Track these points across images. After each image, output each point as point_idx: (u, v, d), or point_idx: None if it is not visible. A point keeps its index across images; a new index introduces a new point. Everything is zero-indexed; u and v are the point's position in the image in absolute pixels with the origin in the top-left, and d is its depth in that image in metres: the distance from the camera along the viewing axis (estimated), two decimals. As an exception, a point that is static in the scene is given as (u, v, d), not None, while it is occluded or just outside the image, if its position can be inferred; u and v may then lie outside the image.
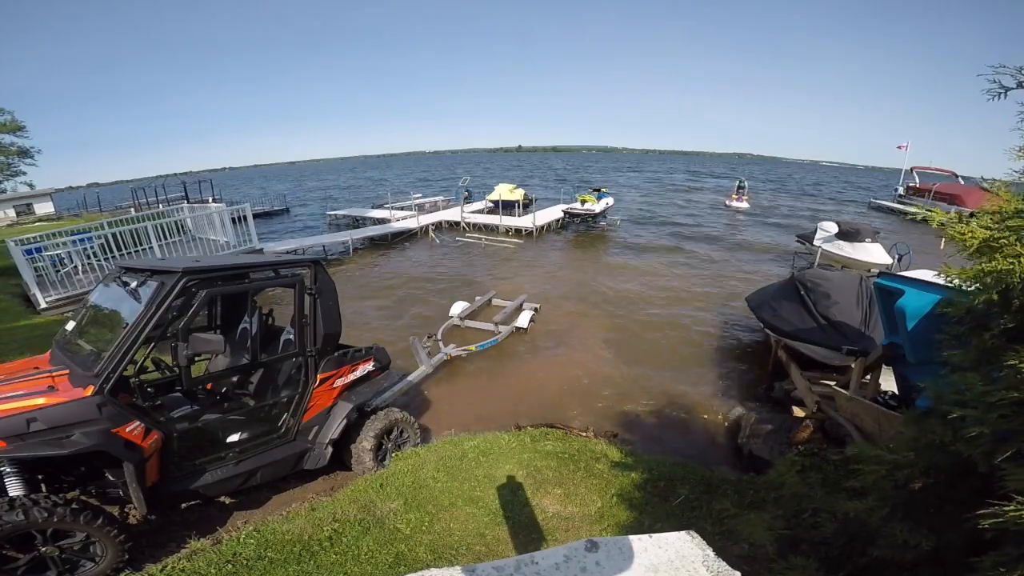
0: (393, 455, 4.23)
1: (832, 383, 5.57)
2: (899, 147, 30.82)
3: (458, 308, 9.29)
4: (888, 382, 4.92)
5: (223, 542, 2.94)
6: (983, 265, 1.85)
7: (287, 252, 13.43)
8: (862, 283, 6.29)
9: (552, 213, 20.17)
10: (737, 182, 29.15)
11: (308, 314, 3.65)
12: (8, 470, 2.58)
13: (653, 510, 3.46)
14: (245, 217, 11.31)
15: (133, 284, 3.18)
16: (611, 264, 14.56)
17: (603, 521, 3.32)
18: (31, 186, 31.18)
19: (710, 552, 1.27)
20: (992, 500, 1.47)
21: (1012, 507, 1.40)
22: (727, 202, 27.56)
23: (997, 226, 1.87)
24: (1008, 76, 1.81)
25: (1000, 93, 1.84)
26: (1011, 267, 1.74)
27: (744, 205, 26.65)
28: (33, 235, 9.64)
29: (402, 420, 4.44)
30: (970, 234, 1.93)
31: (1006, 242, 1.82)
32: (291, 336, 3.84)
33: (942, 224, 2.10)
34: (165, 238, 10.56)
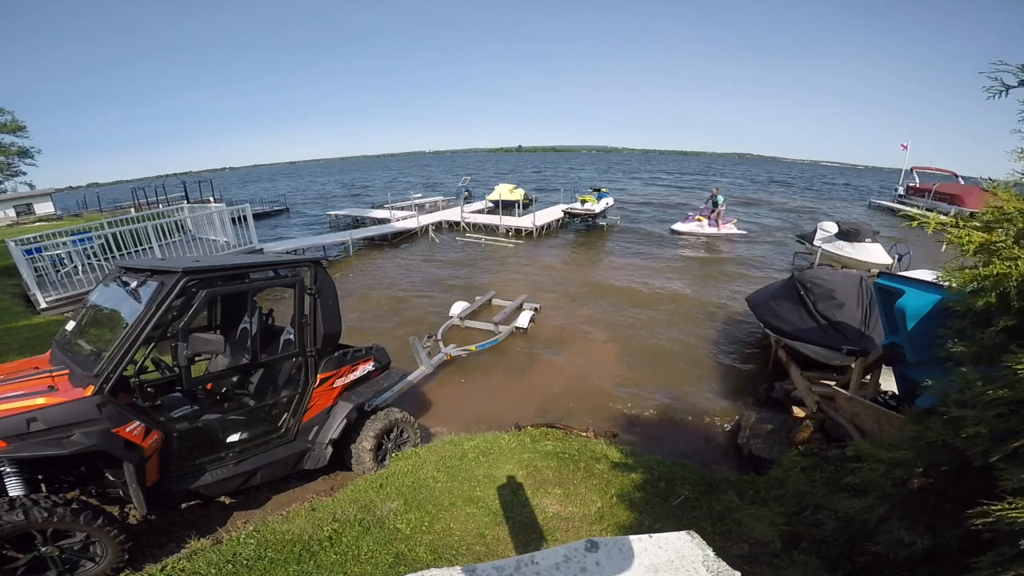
0: (393, 455, 4.23)
1: (832, 383, 5.56)
2: (902, 146, 30.52)
3: (458, 308, 9.30)
4: (888, 382, 4.92)
5: (223, 542, 2.94)
6: (980, 270, 1.84)
7: (287, 252, 13.43)
8: (862, 283, 6.29)
9: (552, 213, 20.17)
10: (709, 195, 19.02)
11: (308, 314, 3.65)
12: (8, 470, 2.57)
13: (653, 510, 3.46)
14: (245, 217, 11.32)
15: (133, 284, 3.18)
16: (611, 264, 14.56)
17: (603, 521, 3.32)
18: (31, 186, 31.16)
19: (710, 552, 1.27)
20: (987, 500, 1.47)
21: (999, 507, 1.40)
22: (679, 226, 18.42)
23: (995, 226, 1.87)
24: (1009, 74, 1.80)
25: (1001, 91, 1.83)
26: (1008, 270, 1.73)
27: (715, 230, 17.81)
28: (33, 235, 9.65)
29: (402, 420, 4.44)
30: (967, 238, 1.92)
31: (1003, 245, 1.81)
32: (291, 336, 3.84)
33: (941, 225, 2.08)
34: (165, 238, 10.56)
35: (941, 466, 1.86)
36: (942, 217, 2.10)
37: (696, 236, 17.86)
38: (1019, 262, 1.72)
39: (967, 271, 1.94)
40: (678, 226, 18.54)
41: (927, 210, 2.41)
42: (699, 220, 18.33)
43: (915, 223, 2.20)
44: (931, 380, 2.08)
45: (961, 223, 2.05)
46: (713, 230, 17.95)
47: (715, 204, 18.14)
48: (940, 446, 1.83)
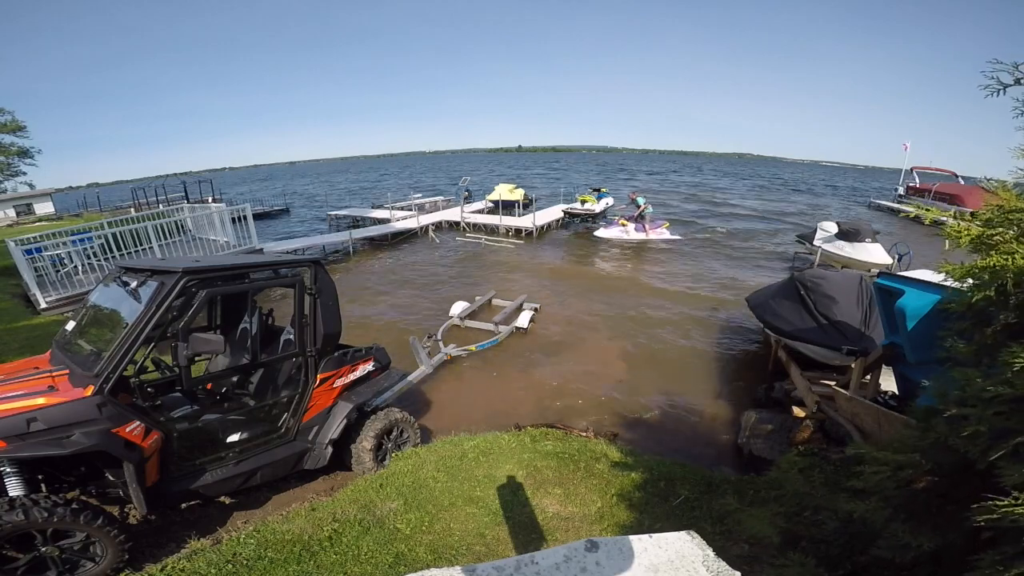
0: (393, 455, 4.23)
1: (832, 383, 5.56)
2: (904, 146, 30.45)
3: (458, 308, 9.30)
4: (888, 382, 4.92)
5: (223, 542, 2.94)
6: (978, 262, 1.85)
7: (287, 252, 13.43)
8: (862, 283, 6.29)
9: (552, 213, 20.19)
10: (633, 198, 17.22)
11: (308, 314, 3.65)
12: (8, 470, 2.58)
13: (653, 510, 3.46)
14: (245, 217, 11.32)
15: (133, 284, 3.18)
16: (610, 264, 14.57)
17: (603, 521, 3.32)
18: (31, 186, 31.18)
19: (710, 552, 1.27)
20: (990, 496, 1.46)
21: (1006, 503, 1.40)
22: (602, 232, 16.73)
23: (994, 220, 1.87)
24: (1005, 73, 1.81)
25: (998, 90, 1.84)
26: (1006, 263, 1.73)
27: (643, 236, 16.28)
28: (33, 235, 9.65)
29: (402, 420, 4.44)
30: (965, 231, 1.93)
31: (1000, 239, 1.81)
32: (291, 336, 3.84)
33: (936, 222, 2.10)
34: (165, 238, 10.56)
35: (944, 467, 1.86)
36: (940, 215, 2.11)
37: (621, 242, 16.49)
38: (1016, 256, 1.72)
39: (964, 265, 1.95)
40: (601, 232, 16.82)
41: (926, 209, 2.44)
42: (623, 224, 16.68)
43: (912, 215, 2.24)
44: (931, 380, 2.09)
45: (960, 219, 2.06)
46: (641, 235, 16.44)
47: (637, 206, 16.73)
48: (942, 446, 1.83)
